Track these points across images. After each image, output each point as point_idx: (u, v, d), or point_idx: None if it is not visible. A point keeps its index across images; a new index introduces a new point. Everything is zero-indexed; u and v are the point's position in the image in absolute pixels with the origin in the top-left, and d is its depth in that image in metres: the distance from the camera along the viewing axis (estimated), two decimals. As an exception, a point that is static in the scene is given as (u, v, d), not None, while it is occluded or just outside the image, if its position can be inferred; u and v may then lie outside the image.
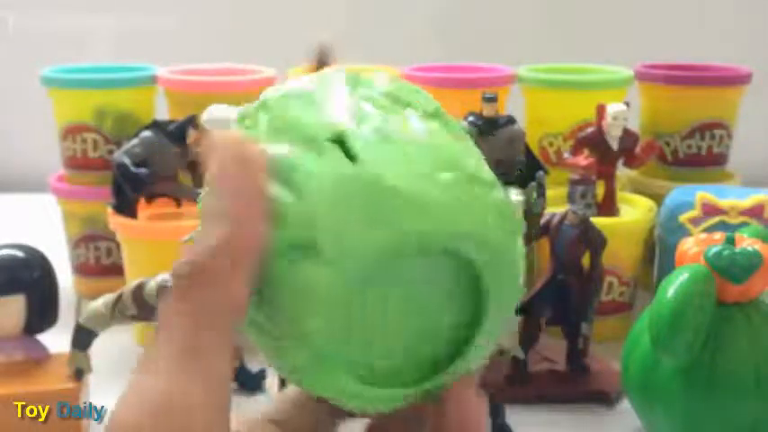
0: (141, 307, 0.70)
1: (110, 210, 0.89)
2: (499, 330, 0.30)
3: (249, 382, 0.80)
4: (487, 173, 0.29)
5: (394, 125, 0.29)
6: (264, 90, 0.31)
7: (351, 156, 0.28)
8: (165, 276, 0.70)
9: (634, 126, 0.96)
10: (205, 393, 0.25)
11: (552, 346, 0.83)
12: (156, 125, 0.89)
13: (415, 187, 0.27)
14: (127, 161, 0.87)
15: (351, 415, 0.33)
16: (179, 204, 0.91)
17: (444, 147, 0.29)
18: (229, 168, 0.27)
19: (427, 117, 0.30)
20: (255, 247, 0.26)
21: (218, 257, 0.26)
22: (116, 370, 0.83)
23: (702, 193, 0.88)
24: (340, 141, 0.28)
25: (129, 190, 0.88)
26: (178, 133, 0.88)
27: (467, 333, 0.30)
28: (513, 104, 1.03)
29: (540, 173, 0.81)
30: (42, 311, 0.73)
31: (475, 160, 0.29)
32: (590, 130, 0.91)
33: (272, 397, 0.34)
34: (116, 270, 0.95)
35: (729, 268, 0.66)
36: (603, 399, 0.79)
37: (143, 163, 0.87)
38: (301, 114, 0.29)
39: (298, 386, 0.30)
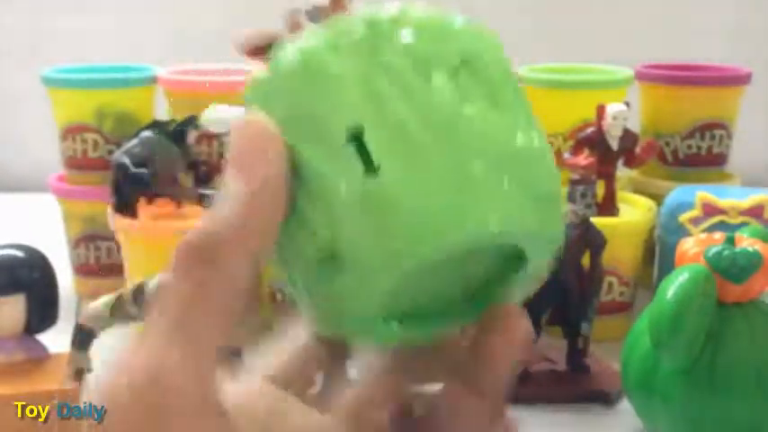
0: (141, 307, 0.70)
1: (110, 210, 0.89)
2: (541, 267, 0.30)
3: None
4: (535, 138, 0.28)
5: (414, 112, 0.26)
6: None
7: (368, 164, 0.25)
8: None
9: (634, 126, 0.96)
10: (191, 368, 0.24)
11: (552, 346, 0.83)
12: (156, 125, 0.89)
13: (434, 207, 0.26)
14: (127, 161, 0.87)
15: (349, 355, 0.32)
16: (179, 204, 0.91)
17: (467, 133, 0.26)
18: (244, 151, 0.26)
19: (453, 73, 0.27)
20: (265, 232, 0.26)
21: (221, 238, 0.25)
22: (116, 370, 0.83)
23: (702, 193, 0.88)
24: (357, 140, 0.26)
25: (129, 190, 0.88)
26: (178, 133, 0.88)
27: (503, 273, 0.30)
28: (512, 104, 1.02)
29: (541, 173, 0.81)
30: (42, 311, 0.73)
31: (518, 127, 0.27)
32: (590, 130, 0.91)
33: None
34: (116, 270, 0.95)
35: (729, 268, 0.66)
36: (603, 399, 0.79)
37: (143, 163, 0.87)
38: (313, 100, 0.26)
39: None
